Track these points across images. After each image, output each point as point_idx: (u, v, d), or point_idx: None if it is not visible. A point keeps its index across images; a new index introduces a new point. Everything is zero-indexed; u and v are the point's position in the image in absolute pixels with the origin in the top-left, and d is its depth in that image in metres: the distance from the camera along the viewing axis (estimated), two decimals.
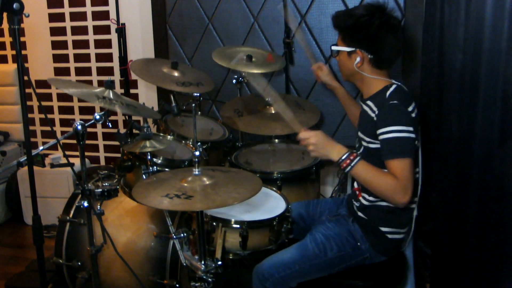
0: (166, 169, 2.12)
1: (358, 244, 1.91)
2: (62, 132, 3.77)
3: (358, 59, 1.86)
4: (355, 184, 2.04)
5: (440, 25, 2.28)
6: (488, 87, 1.95)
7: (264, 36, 3.13)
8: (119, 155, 3.57)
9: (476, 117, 2.01)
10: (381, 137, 1.78)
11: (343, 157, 1.78)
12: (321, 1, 2.98)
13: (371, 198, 1.90)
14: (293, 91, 3.12)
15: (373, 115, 1.83)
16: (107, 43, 3.52)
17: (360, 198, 1.96)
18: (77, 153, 1.68)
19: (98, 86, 1.91)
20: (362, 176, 1.79)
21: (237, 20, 3.17)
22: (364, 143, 1.89)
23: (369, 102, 1.90)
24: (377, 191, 1.80)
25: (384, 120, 1.77)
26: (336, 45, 1.94)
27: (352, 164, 1.77)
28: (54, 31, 3.60)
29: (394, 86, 1.86)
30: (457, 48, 2.10)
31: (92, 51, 3.57)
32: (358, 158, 1.78)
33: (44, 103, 3.74)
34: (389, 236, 1.91)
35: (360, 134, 1.92)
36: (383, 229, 1.90)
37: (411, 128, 1.76)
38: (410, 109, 1.82)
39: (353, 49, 1.87)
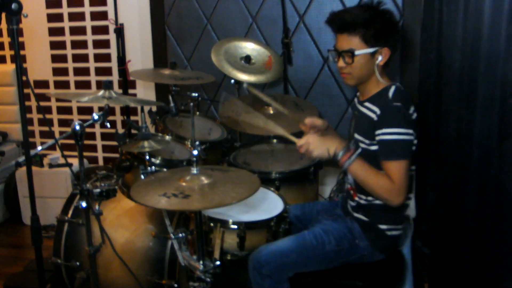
0: (165, 169, 2.12)
1: (356, 241, 1.91)
2: (61, 132, 3.77)
3: (380, 57, 1.83)
4: (348, 184, 2.05)
5: (438, 25, 2.28)
6: (487, 87, 1.95)
7: (262, 36, 3.13)
8: (117, 155, 3.57)
9: (475, 117, 2.01)
10: (380, 137, 1.78)
11: (340, 153, 1.79)
12: (319, 1, 2.98)
13: (368, 198, 1.91)
14: (291, 91, 3.12)
15: (373, 115, 1.83)
16: (106, 43, 3.52)
17: (356, 198, 1.97)
18: (76, 153, 1.68)
19: (95, 89, 1.91)
20: (358, 173, 1.80)
21: (235, 20, 3.17)
22: (363, 145, 1.88)
23: (368, 104, 1.89)
24: (371, 190, 1.82)
25: (386, 121, 1.78)
26: (352, 50, 1.82)
27: (350, 161, 1.78)
28: (52, 31, 3.60)
29: (394, 87, 1.86)
30: (456, 48, 2.10)
31: (91, 51, 3.57)
32: (355, 156, 1.79)
33: (42, 103, 3.74)
34: (388, 233, 1.92)
35: (358, 136, 1.90)
36: (382, 226, 1.91)
37: (410, 131, 1.77)
38: (411, 111, 1.82)
39: (377, 48, 1.81)
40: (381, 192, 1.78)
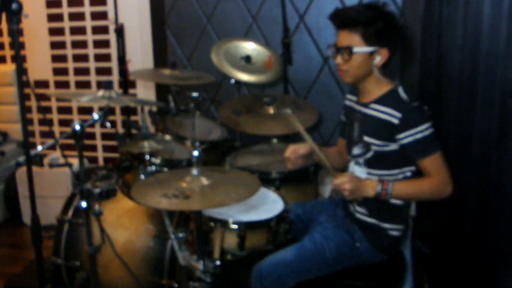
0: (165, 169, 2.12)
1: (357, 244, 1.91)
2: (61, 132, 3.77)
3: (378, 58, 1.83)
4: None
5: (438, 25, 2.28)
6: (486, 86, 1.95)
7: (263, 36, 3.13)
8: (117, 155, 3.57)
9: (474, 116, 2.02)
10: (409, 139, 1.79)
11: (378, 190, 1.82)
12: (319, 1, 2.99)
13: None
14: (291, 91, 3.13)
15: (391, 118, 1.82)
16: (106, 43, 3.52)
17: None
18: (76, 153, 1.68)
19: (95, 89, 1.91)
20: (403, 195, 1.84)
21: (235, 20, 3.17)
22: (374, 147, 1.87)
23: (376, 106, 1.87)
24: (422, 199, 1.91)
25: (412, 123, 1.79)
26: (350, 47, 1.82)
27: (389, 191, 1.81)
28: (52, 31, 3.60)
29: (401, 88, 1.87)
30: (456, 47, 2.11)
31: (91, 51, 3.57)
32: (390, 183, 1.82)
33: (42, 103, 3.75)
34: (390, 232, 1.92)
35: (369, 139, 1.88)
36: (384, 225, 1.91)
37: (431, 123, 1.82)
38: (425, 108, 1.85)
39: (375, 48, 1.82)
40: (432, 195, 1.83)
